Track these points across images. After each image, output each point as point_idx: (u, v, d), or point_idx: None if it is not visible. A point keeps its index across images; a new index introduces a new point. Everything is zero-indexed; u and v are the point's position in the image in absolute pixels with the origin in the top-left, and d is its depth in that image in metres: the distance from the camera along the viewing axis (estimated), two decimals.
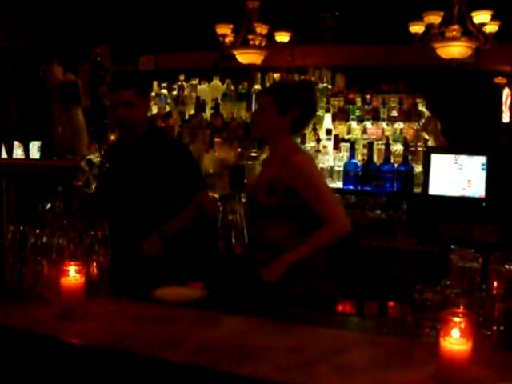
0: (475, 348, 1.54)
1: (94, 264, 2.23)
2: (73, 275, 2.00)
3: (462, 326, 1.51)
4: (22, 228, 2.22)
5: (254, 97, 5.09)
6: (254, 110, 5.02)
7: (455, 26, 4.38)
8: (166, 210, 2.98)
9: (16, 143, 3.11)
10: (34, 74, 2.76)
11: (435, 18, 4.40)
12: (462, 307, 1.73)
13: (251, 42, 5.03)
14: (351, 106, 4.73)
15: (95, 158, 4.56)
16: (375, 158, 4.29)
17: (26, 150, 2.87)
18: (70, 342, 1.85)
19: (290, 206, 2.70)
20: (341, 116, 4.69)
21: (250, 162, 4.48)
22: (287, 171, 2.69)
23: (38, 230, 2.20)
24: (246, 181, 3.98)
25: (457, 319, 1.52)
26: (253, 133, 2.89)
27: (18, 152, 3.33)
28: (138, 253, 2.89)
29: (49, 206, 2.40)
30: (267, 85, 5.09)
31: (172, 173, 2.99)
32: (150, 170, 3.02)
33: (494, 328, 1.78)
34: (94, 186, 4.64)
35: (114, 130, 5.10)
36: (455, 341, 1.51)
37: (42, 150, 3.65)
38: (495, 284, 1.80)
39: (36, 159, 2.77)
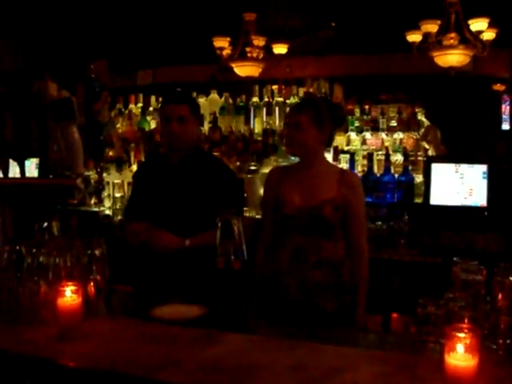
0: (481, 363, 1.50)
1: (92, 283, 2.20)
2: (70, 295, 1.97)
3: (467, 341, 1.48)
4: (18, 248, 2.20)
5: (252, 110, 5.08)
6: (252, 123, 5.02)
7: (452, 34, 4.36)
8: (201, 230, 2.86)
9: (12, 162, 3.10)
10: (29, 90, 2.74)
11: (432, 27, 4.39)
12: (466, 321, 1.70)
13: (249, 55, 5.02)
14: (350, 117, 4.71)
15: (92, 175, 4.56)
16: (375, 169, 4.27)
17: (22, 168, 2.85)
18: (67, 364, 1.82)
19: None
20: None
21: (249, 176, 4.46)
22: (345, 187, 2.74)
23: (34, 250, 2.17)
24: (245, 195, 3.94)
25: (461, 335, 1.49)
26: (291, 150, 2.87)
27: (16, 170, 3.30)
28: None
29: (45, 225, 2.38)
30: (265, 97, 5.09)
31: (215, 196, 2.90)
32: (194, 190, 2.94)
33: (500, 342, 1.75)
34: (92, 203, 4.64)
35: (113, 146, 5.11)
36: (460, 357, 1.48)
37: (40, 167, 3.63)
38: (500, 296, 1.76)
39: (31, 178, 2.75)
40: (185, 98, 3.06)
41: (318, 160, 2.83)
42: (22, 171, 2.67)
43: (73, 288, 1.98)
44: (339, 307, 2.70)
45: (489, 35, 4.34)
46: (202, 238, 2.81)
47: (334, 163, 4.30)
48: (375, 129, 4.60)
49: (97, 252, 2.23)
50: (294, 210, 2.73)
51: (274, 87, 5.14)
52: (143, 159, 4.93)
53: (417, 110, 4.68)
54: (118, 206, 4.69)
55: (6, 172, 2.57)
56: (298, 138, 2.74)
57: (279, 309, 2.64)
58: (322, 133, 2.76)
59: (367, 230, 2.98)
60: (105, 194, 4.85)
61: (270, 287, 2.71)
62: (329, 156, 4.35)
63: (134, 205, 3.12)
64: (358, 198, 2.78)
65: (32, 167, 4.42)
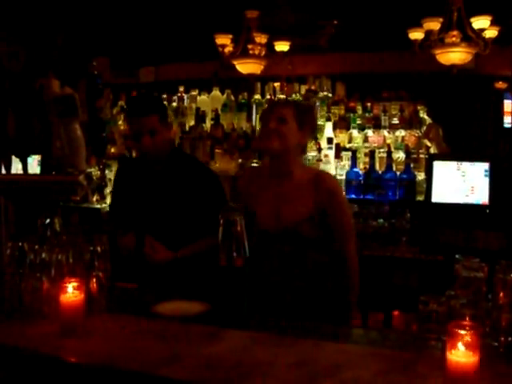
0: (482, 360, 1.51)
1: (94, 280, 2.20)
2: (72, 292, 1.97)
3: (469, 338, 1.48)
4: (20, 244, 2.20)
5: (254, 107, 5.08)
6: (254, 121, 5.02)
7: (455, 32, 4.36)
8: (187, 234, 2.85)
9: (14, 158, 3.10)
10: (31, 87, 2.75)
11: (434, 25, 4.38)
12: (467, 318, 1.70)
13: (251, 52, 5.02)
14: (352, 115, 4.72)
15: (95, 171, 4.57)
16: (377, 167, 4.27)
17: (25, 165, 2.86)
18: (69, 360, 1.82)
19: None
20: (342, 124, 4.68)
21: None
22: (322, 197, 2.57)
23: (36, 246, 2.18)
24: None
25: (463, 332, 1.49)
26: (270, 144, 2.57)
27: (18, 167, 3.31)
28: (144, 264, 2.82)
29: (47, 221, 2.38)
30: (267, 95, 5.09)
31: (199, 200, 2.86)
32: (175, 194, 2.89)
33: (502, 339, 1.75)
34: (94, 200, 4.64)
35: (115, 142, 5.12)
36: (462, 354, 1.48)
37: (42, 164, 3.64)
38: (501, 294, 1.77)
39: (34, 174, 2.75)
40: (152, 107, 2.86)
41: (294, 164, 2.64)
42: (25, 168, 2.67)
43: (75, 284, 1.98)
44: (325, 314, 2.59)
45: (491, 33, 4.33)
46: (191, 248, 2.82)
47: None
48: (377, 126, 4.60)
49: (99, 249, 2.23)
50: (269, 228, 2.61)
51: (276, 84, 5.15)
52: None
53: (419, 107, 4.68)
54: None
55: (8, 168, 2.58)
56: (282, 130, 2.55)
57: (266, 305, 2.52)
58: (303, 133, 2.61)
59: (370, 229, 2.93)
60: (107, 190, 4.85)
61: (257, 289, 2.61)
62: (331, 153, 4.36)
63: (117, 213, 3.08)
64: (337, 207, 2.62)
65: (34, 164, 4.43)
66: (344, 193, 2.81)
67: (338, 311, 2.63)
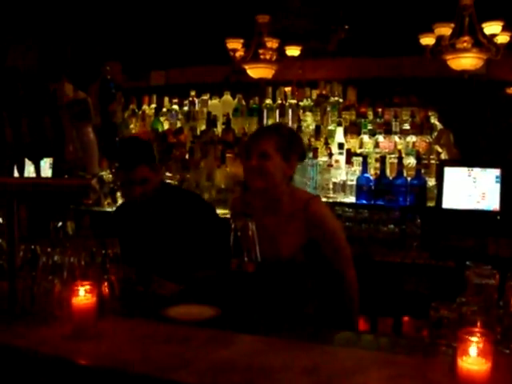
0: (493, 367, 1.50)
1: (106, 283, 2.22)
2: (84, 295, 1.99)
3: (480, 345, 1.48)
4: (33, 247, 2.22)
5: (265, 111, 5.09)
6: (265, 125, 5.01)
7: (466, 38, 4.35)
8: (187, 264, 2.83)
9: (27, 161, 3.12)
10: (45, 91, 2.77)
11: (446, 30, 4.38)
12: (479, 325, 1.70)
13: (262, 57, 5.03)
14: (363, 120, 4.71)
15: (106, 175, 4.58)
16: (388, 172, 4.26)
17: (38, 168, 2.88)
18: (80, 362, 1.83)
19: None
20: (353, 130, 4.67)
21: None
22: (312, 227, 2.55)
23: (49, 249, 2.19)
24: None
25: (474, 339, 1.49)
26: (256, 183, 2.55)
27: (31, 169, 3.33)
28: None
29: (60, 224, 2.40)
30: (278, 99, 5.09)
31: (193, 232, 2.85)
32: (171, 230, 2.89)
33: None
34: (106, 203, 4.66)
35: None
36: (473, 361, 1.48)
37: (53, 167, 3.65)
38: None
39: (47, 178, 2.77)
40: (141, 158, 2.85)
41: (283, 195, 2.61)
42: (38, 171, 2.69)
43: (87, 287, 2.00)
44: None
45: (503, 38, 4.32)
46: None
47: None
48: (388, 132, 4.59)
49: (111, 252, 2.25)
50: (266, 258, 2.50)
51: (287, 89, 5.15)
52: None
53: (430, 113, 4.68)
54: None
55: (21, 172, 2.60)
56: (266, 167, 2.51)
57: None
58: (288, 162, 2.57)
59: (380, 234, 2.91)
60: (118, 194, 4.87)
61: None
62: (342, 158, 4.37)
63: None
64: (327, 235, 2.58)
65: (46, 167, 4.46)
66: (334, 221, 2.73)
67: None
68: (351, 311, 2.63)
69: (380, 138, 4.58)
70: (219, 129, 5.11)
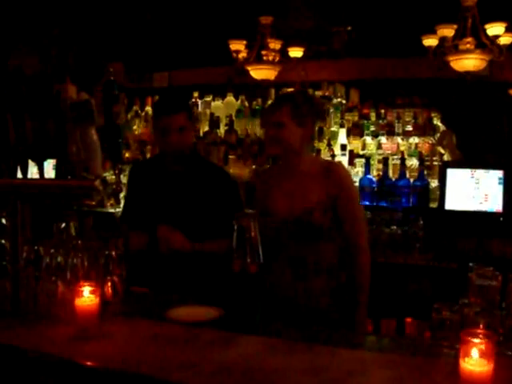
0: (496, 368, 1.50)
1: (109, 284, 2.23)
2: (87, 296, 1.99)
3: (483, 347, 1.48)
4: (36, 248, 2.23)
5: None
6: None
7: (469, 39, 4.35)
8: (203, 236, 2.83)
9: (30, 162, 3.12)
10: (49, 93, 2.77)
11: (448, 31, 4.38)
12: (481, 326, 1.70)
13: (265, 58, 5.04)
14: (366, 121, 4.72)
15: (109, 176, 4.59)
16: (390, 173, 4.26)
17: (41, 169, 2.88)
18: (83, 363, 1.83)
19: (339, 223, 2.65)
20: (355, 131, 4.68)
21: None
22: (332, 184, 2.61)
23: (52, 250, 2.20)
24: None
25: (477, 340, 1.49)
26: (272, 150, 2.70)
27: (34, 170, 3.33)
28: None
29: (63, 225, 2.40)
30: None
31: (217, 203, 2.87)
32: (193, 197, 2.90)
33: None
34: (109, 204, 4.66)
35: (129, 147, 5.14)
36: (475, 362, 1.48)
37: (56, 168, 3.65)
38: None
39: (50, 179, 2.77)
40: (181, 106, 2.93)
41: (302, 159, 2.70)
42: (41, 172, 2.69)
43: (90, 288, 2.00)
44: (340, 311, 2.63)
45: (506, 40, 4.32)
46: (208, 245, 2.82)
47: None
48: (391, 133, 4.60)
49: (114, 253, 2.25)
50: (281, 221, 2.64)
51: (290, 91, 5.14)
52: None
53: (433, 114, 4.68)
54: None
55: (25, 173, 2.60)
56: (281, 136, 2.62)
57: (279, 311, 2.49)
58: (304, 127, 2.65)
59: (383, 236, 2.93)
60: (121, 195, 4.87)
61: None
62: (345, 160, 4.37)
63: (131, 212, 3.08)
64: (347, 193, 2.64)
65: (49, 168, 4.46)
66: (354, 187, 2.84)
67: (345, 311, 2.64)
68: (359, 289, 2.64)
69: (383, 139, 4.59)
70: (222, 130, 5.12)
